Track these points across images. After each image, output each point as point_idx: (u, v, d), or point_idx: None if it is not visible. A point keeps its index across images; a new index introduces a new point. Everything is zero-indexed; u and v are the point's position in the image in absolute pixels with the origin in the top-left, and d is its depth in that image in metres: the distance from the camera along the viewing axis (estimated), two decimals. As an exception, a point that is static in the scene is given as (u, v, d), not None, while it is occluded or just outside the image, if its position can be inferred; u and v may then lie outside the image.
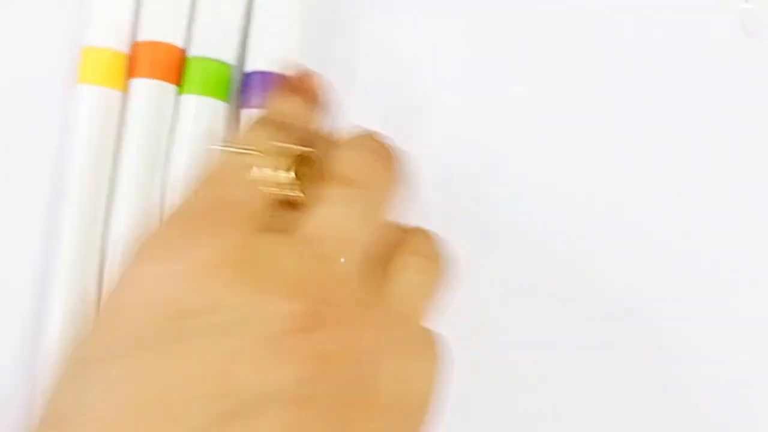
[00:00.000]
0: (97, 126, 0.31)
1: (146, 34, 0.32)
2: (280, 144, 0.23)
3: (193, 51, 0.32)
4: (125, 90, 0.31)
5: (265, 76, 0.31)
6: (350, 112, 0.31)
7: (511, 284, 0.33)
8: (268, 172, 0.23)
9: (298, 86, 0.27)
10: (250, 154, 0.23)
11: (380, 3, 0.35)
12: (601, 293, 0.33)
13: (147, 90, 0.31)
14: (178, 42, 0.32)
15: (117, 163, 0.31)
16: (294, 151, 0.23)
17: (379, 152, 0.24)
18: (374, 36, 0.34)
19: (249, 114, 0.31)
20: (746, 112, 0.36)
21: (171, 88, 0.31)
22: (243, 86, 0.31)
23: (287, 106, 0.26)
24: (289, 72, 0.29)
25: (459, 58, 0.35)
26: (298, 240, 0.22)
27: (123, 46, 0.32)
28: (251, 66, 0.32)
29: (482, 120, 0.34)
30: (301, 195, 0.23)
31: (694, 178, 0.35)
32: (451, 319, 0.26)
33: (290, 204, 0.24)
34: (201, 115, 0.31)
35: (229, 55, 0.32)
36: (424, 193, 0.29)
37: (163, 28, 0.32)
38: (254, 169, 0.23)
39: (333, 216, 0.22)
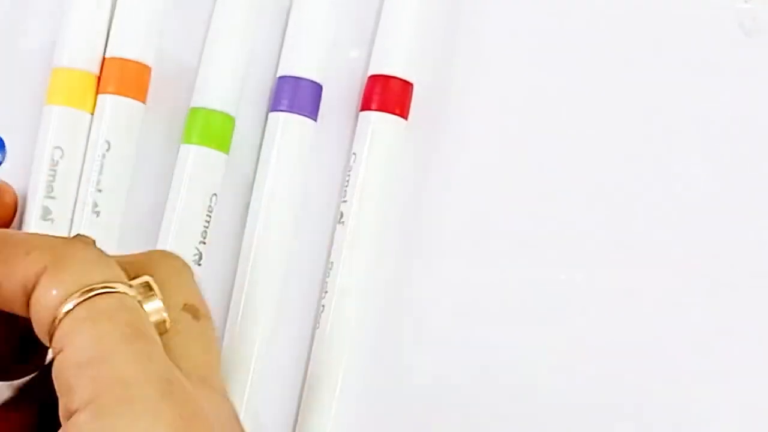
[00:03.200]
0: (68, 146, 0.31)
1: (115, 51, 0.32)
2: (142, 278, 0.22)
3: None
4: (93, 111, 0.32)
5: (297, 81, 0.31)
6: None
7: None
8: (153, 306, 0.22)
9: None
10: (127, 293, 0.22)
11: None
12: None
13: (114, 106, 0.32)
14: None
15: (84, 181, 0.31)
16: (146, 281, 0.22)
17: (185, 271, 0.24)
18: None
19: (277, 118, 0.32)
20: (745, 112, 0.36)
21: (139, 105, 0.32)
22: (275, 90, 0.32)
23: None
24: None
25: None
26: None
27: (93, 67, 0.32)
28: (283, 71, 0.32)
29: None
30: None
31: (693, 178, 0.35)
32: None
33: None
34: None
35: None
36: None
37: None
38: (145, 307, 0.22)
39: (203, 352, 0.23)
